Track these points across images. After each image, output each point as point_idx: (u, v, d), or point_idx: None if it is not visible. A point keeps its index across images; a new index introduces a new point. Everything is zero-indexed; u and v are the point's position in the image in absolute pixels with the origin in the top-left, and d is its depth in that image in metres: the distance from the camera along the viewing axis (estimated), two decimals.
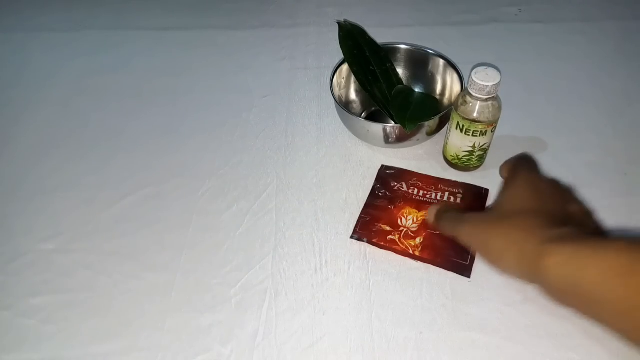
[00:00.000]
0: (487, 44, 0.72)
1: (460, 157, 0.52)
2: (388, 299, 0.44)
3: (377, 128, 0.54)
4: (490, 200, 0.51)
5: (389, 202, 0.51)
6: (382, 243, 0.48)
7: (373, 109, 0.62)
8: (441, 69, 0.60)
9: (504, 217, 0.40)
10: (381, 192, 0.52)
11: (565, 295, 0.35)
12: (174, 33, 0.79)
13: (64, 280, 0.48)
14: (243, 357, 0.41)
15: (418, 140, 0.55)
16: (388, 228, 0.49)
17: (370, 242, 0.48)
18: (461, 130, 0.49)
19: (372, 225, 0.49)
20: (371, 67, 0.58)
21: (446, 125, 0.54)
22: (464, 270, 0.45)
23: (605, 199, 0.49)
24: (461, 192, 0.52)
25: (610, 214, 0.47)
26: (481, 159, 0.53)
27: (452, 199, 0.51)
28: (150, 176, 0.57)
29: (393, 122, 0.56)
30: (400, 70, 0.62)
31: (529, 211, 0.39)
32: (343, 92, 0.61)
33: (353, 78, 0.60)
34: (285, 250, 0.49)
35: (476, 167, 0.54)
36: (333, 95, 0.56)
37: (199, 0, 0.85)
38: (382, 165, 0.55)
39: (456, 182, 0.53)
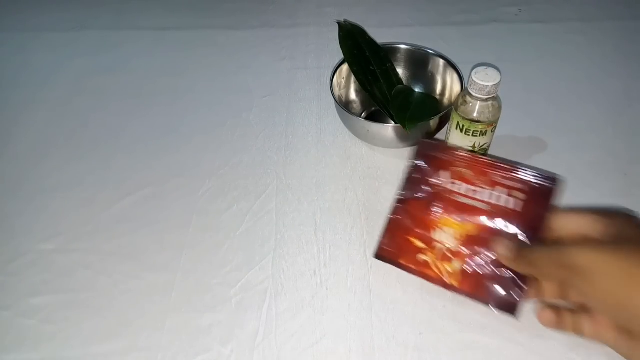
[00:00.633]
0: (487, 44, 0.72)
1: None
2: (388, 300, 0.44)
3: (377, 128, 0.54)
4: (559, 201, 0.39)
5: (424, 200, 0.40)
6: (412, 266, 0.39)
7: (373, 109, 0.62)
8: (441, 69, 0.60)
9: None
10: (417, 181, 0.40)
11: None
12: (174, 33, 0.79)
13: (64, 280, 0.48)
14: (243, 357, 0.41)
15: (418, 140, 0.55)
16: (419, 244, 0.39)
17: (397, 264, 0.40)
18: (461, 130, 0.49)
19: (399, 237, 0.40)
20: (371, 67, 0.58)
21: (446, 126, 0.54)
22: (513, 309, 0.37)
23: (605, 199, 0.49)
24: (525, 188, 0.39)
25: None
26: None
27: (510, 203, 0.38)
28: (150, 176, 0.57)
29: (393, 122, 0.56)
30: (400, 70, 0.62)
31: None
32: (343, 92, 0.61)
33: (353, 78, 0.60)
34: (285, 251, 0.49)
35: None
36: (333, 95, 0.56)
37: (199, 0, 0.85)
38: (419, 141, 0.44)
39: (516, 169, 0.40)
